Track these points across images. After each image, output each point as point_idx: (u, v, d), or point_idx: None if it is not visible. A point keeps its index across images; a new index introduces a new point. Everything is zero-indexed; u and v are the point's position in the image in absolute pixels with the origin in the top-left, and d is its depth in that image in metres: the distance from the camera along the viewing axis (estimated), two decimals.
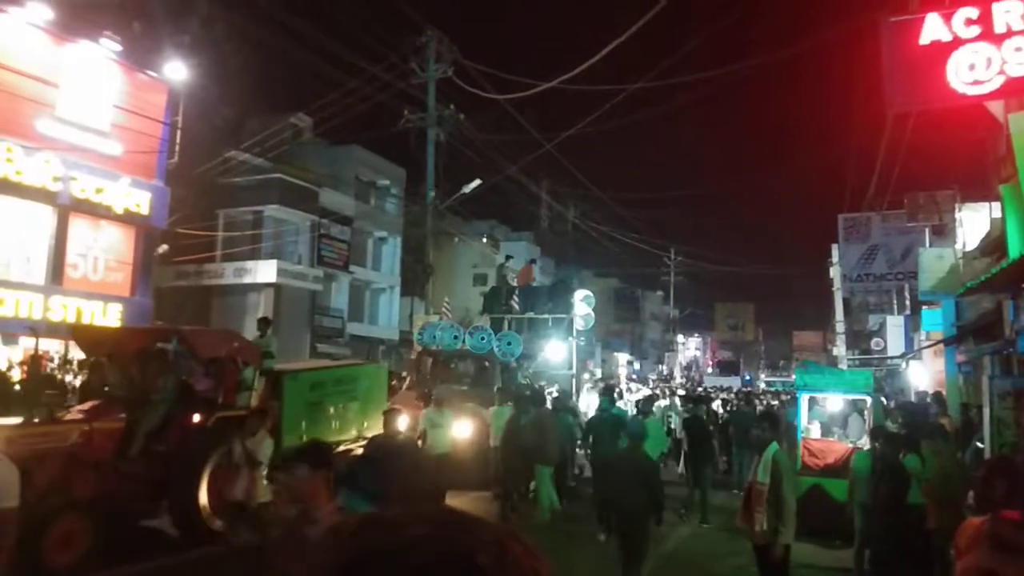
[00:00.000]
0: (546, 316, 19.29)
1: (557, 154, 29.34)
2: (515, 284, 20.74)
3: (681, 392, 28.03)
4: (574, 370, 19.34)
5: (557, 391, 18.13)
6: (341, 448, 11.28)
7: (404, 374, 18.65)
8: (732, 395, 30.08)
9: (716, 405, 22.99)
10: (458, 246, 36.37)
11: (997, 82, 7.47)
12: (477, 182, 23.80)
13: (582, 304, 19.73)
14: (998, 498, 2.40)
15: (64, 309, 17.54)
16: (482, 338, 16.07)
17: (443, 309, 18.71)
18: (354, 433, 11.94)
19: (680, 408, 17.97)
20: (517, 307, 19.35)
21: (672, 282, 60.65)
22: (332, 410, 11.77)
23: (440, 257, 26.41)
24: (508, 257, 22.19)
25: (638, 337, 64.25)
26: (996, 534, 2.08)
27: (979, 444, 9.47)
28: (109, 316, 18.52)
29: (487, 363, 15.98)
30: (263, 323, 13.41)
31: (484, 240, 39.64)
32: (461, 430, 12.63)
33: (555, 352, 18.82)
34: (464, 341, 16.02)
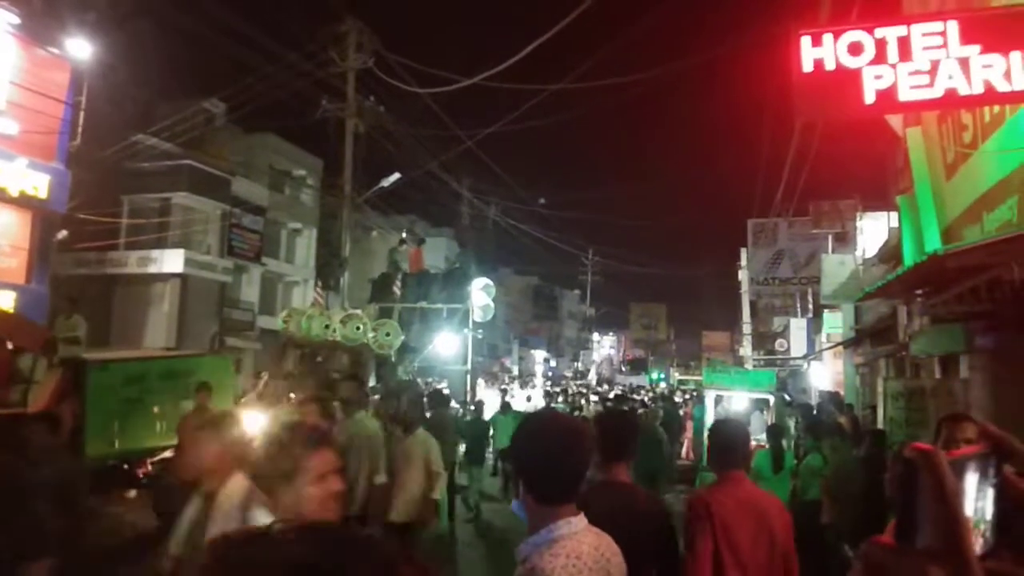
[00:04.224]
0: (440, 306, 17.78)
1: (478, 151, 29.38)
2: (407, 270, 19.20)
3: (594, 397, 28.23)
4: (469, 365, 17.92)
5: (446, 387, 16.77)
6: (168, 455, 9.59)
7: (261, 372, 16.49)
8: (647, 395, 30.69)
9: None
10: (376, 240, 35.90)
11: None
12: (396, 176, 23.47)
13: (480, 294, 18.14)
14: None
15: None
16: (357, 328, 14.33)
17: (315, 295, 17.09)
18: None
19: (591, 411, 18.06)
20: (398, 293, 17.65)
21: (589, 281, 61.64)
22: (157, 409, 10.05)
23: (357, 251, 25.94)
24: (402, 241, 20.63)
25: (555, 335, 65.10)
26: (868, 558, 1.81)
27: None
28: (2, 304, 17.48)
29: (363, 356, 14.50)
30: (69, 303, 12.05)
31: (403, 235, 39.20)
32: None
33: (447, 345, 17.31)
34: (335, 331, 14.43)
